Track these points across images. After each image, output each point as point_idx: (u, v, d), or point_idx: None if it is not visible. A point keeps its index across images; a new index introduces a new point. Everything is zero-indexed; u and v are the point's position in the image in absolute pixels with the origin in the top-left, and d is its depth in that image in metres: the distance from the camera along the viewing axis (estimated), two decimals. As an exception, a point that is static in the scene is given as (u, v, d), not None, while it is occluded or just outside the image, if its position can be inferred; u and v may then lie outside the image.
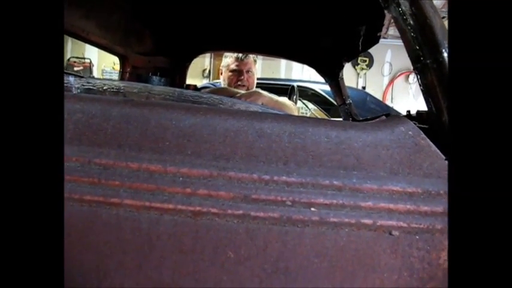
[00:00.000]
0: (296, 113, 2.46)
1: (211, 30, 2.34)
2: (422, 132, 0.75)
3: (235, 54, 2.54)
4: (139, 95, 0.84)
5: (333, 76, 2.25)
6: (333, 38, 1.98)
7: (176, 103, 0.77)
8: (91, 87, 0.81)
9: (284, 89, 4.56)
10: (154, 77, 2.45)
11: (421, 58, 0.79)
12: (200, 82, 8.70)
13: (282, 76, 7.97)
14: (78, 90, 0.79)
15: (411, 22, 0.79)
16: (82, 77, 0.85)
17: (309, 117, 0.78)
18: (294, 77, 7.67)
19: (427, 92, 0.81)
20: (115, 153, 0.72)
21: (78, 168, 0.72)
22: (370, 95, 5.13)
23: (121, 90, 0.83)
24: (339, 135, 0.74)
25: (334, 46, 2.05)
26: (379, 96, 8.38)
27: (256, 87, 2.81)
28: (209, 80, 8.75)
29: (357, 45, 1.66)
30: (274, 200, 0.72)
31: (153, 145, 0.72)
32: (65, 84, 0.78)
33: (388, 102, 8.65)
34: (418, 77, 0.82)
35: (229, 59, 2.59)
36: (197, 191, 0.71)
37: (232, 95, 2.26)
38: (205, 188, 0.71)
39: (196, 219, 0.72)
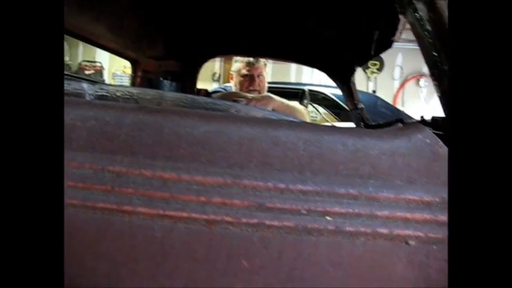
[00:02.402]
0: (307, 118, 2.45)
1: (222, 34, 2.34)
2: (440, 140, 0.74)
3: (246, 59, 2.54)
4: (152, 101, 0.83)
5: (344, 80, 2.23)
6: (345, 42, 1.97)
7: (190, 110, 0.76)
8: (104, 93, 0.81)
9: (294, 93, 4.58)
10: (165, 81, 2.45)
11: (439, 64, 0.78)
12: (210, 86, 8.71)
13: (292, 80, 7.94)
14: (92, 97, 0.79)
15: (428, 28, 0.78)
16: (95, 82, 0.85)
17: (325, 125, 0.77)
18: (304, 81, 7.63)
19: (444, 98, 0.79)
20: (128, 160, 0.71)
21: (92, 175, 0.71)
22: (381, 99, 5.12)
23: (134, 97, 0.83)
24: (355, 143, 0.72)
25: (346, 51, 2.03)
26: (389, 100, 8.33)
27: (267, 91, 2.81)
28: (219, 84, 8.77)
29: (369, 50, 1.64)
30: (289, 208, 0.71)
31: (167, 152, 0.71)
32: (79, 91, 0.78)
33: (398, 106, 8.60)
34: (435, 83, 0.81)
35: (239, 64, 2.59)
36: (211, 199, 0.70)
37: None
38: (219, 196, 0.70)
39: (211, 227, 0.71)
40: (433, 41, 0.78)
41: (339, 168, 0.72)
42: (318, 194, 0.71)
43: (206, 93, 2.49)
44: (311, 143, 0.72)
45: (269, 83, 2.80)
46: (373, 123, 2.13)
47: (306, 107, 2.74)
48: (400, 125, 0.77)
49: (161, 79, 2.42)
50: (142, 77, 2.28)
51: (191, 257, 0.71)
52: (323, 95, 4.85)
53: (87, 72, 8.73)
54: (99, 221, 0.70)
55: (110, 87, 0.82)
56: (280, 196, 0.71)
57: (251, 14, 2.01)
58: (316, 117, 6.18)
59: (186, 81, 2.51)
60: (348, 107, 2.33)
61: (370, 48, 1.61)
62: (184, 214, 0.70)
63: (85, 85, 0.79)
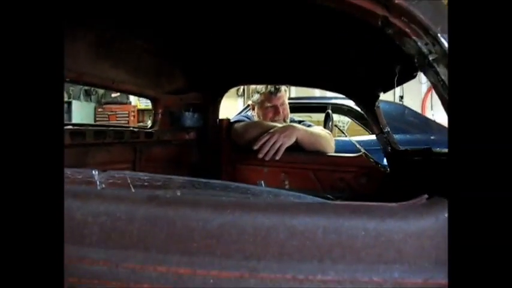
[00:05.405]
0: (332, 143, 2.39)
1: (242, 63, 2.31)
2: None
3: (267, 90, 2.50)
4: (164, 187, 0.81)
5: (369, 106, 2.18)
6: (369, 74, 1.92)
7: (202, 200, 0.73)
8: (116, 181, 0.79)
9: (320, 107, 4.53)
10: (187, 113, 2.43)
11: None
12: (235, 101, 8.73)
13: (316, 92, 7.85)
14: (103, 186, 0.77)
15: None
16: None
17: (345, 206, 0.72)
18: (328, 94, 7.53)
19: None
20: (142, 256, 0.69)
21: (106, 272, 0.69)
22: (408, 108, 5.02)
23: (145, 184, 0.81)
24: (377, 227, 0.68)
25: (370, 80, 1.98)
26: (418, 105, 8.16)
27: (292, 108, 2.76)
28: (243, 99, 8.77)
29: (392, 81, 1.59)
30: None
31: (180, 247, 0.69)
32: (89, 179, 0.77)
33: (427, 111, 8.43)
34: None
35: (261, 96, 2.55)
36: None
37: (267, 129, 2.22)
38: None
39: None
40: None
41: (361, 255, 0.68)
42: (339, 283, 0.67)
43: (228, 123, 2.47)
44: (330, 230, 0.68)
45: (294, 98, 2.74)
46: (400, 148, 2.07)
47: (331, 129, 2.67)
48: (425, 198, 0.72)
49: (183, 112, 2.40)
50: (163, 112, 2.27)
51: None
52: (348, 108, 4.79)
53: (113, 95, 8.87)
54: None
55: (120, 174, 0.80)
56: (299, 287, 0.67)
57: (271, 43, 1.98)
58: (343, 127, 6.12)
59: (208, 112, 2.49)
60: (374, 131, 2.26)
61: (393, 80, 1.57)
62: None
63: (95, 173, 0.77)
